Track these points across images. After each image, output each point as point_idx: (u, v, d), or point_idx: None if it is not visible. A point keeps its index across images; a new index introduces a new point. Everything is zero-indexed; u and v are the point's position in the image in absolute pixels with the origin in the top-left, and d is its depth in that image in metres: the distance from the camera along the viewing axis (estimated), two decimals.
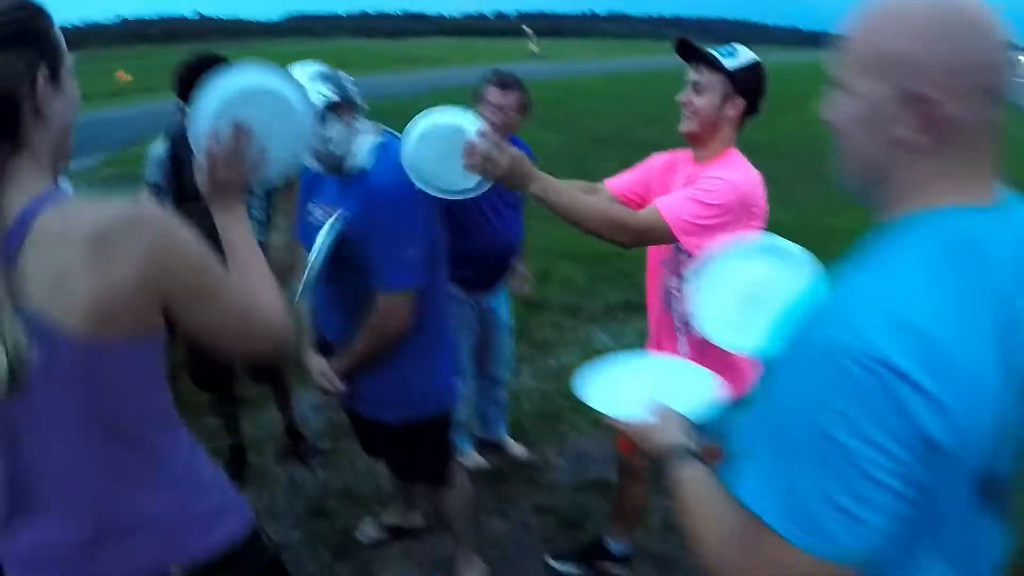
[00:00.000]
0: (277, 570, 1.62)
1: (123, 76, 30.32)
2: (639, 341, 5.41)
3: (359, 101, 2.36)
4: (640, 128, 15.74)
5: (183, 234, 1.30)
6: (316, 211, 2.48)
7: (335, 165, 2.34)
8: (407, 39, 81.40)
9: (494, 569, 3.20)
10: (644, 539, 3.33)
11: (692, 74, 2.38)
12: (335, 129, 2.26)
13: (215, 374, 3.78)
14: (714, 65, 2.32)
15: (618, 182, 2.67)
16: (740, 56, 2.35)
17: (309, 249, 2.53)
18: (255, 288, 1.50)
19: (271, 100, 1.70)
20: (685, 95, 2.37)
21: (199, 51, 3.45)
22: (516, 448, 4.14)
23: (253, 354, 1.57)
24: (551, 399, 4.60)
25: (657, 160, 2.65)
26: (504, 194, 3.27)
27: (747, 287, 1.86)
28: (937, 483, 0.98)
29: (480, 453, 4.02)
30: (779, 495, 0.97)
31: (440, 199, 2.32)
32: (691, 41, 2.39)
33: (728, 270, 1.92)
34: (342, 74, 2.34)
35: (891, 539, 0.97)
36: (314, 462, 4.03)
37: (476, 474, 3.74)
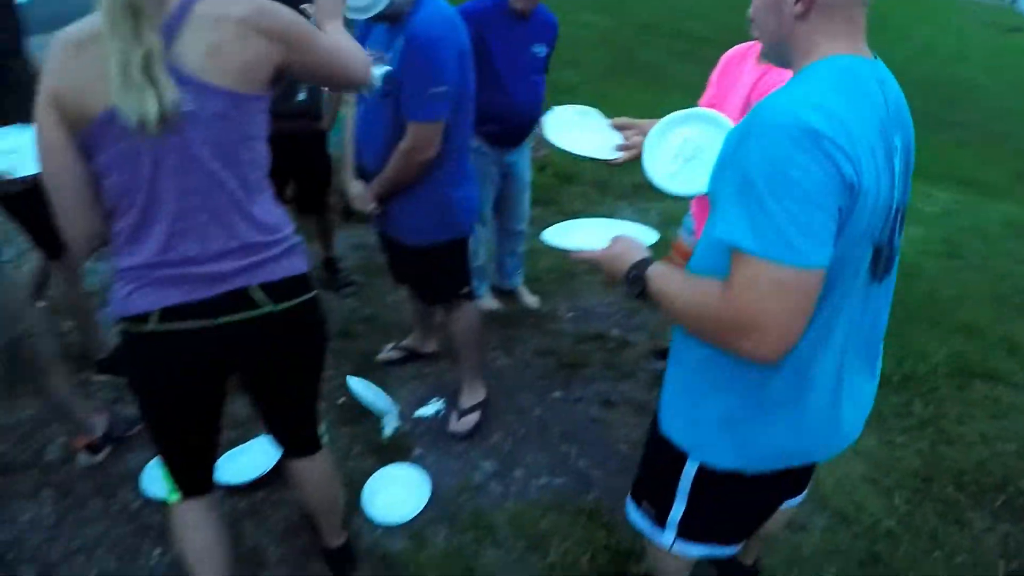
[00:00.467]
0: (319, 306, 2.09)
1: None
2: (660, 221, 5.74)
3: None
4: (686, 19, 15.66)
5: (292, 14, 1.78)
6: (367, 54, 2.81)
7: (386, 15, 2.66)
8: None
9: (493, 397, 3.62)
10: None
11: None
12: None
13: None
14: None
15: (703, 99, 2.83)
16: None
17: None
18: (342, 44, 2.00)
19: None
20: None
21: None
22: (529, 298, 4.52)
23: (353, 82, 2.05)
24: (568, 259, 4.95)
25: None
26: (533, 59, 3.63)
27: (681, 145, 2.18)
28: (850, 229, 1.39)
29: (495, 299, 4.43)
30: (751, 227, 1.34)
31: (468, 51, 2.74)
32: None
33: (667, 134, 2.21)
34: None
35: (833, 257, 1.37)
36: (346, 291, 4.49)
37: (488, 316, 4.16)
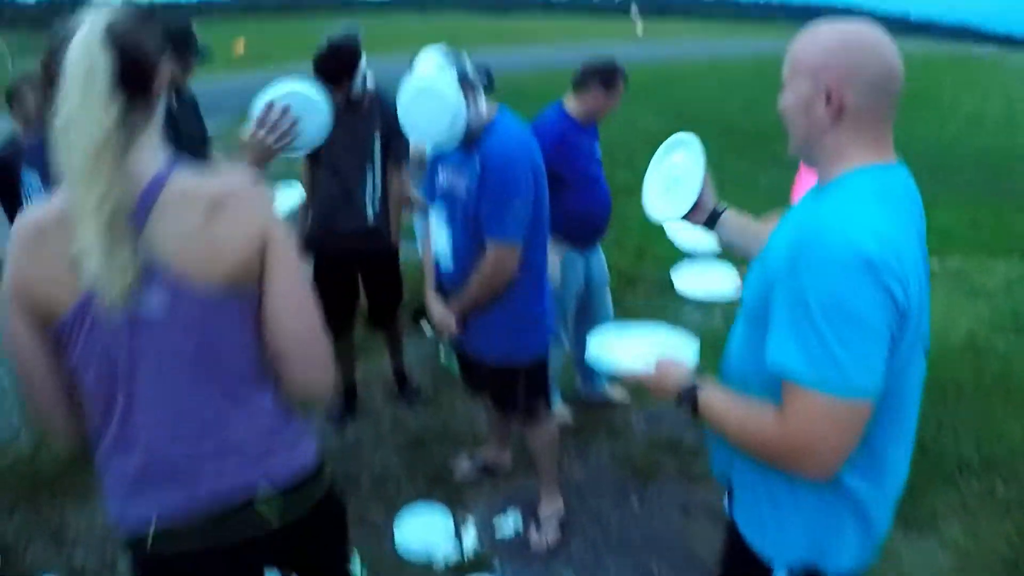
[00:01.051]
0: (333, 497, 1.82)
1: (239, 46, 31.22)
2: (724, 319, 5.71)
3: (477, 83, 2.77)
4: (740, 115, 15.87)
5: (274, 208, 1.57)
6: (442, 174, 2.92)
7: (463, 140, 2.76)
8: (514, 15, 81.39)
9: (570, 505, 3.59)
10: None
11: None
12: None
13: (335, 315, 4.12)
14: None
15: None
16: None
17: (432, 202, 3.01)
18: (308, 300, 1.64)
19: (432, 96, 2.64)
20: None
21: (337, 36, 3.75)
22: (618, 392, 4.51)
23: (302, 371, 1.62)
24: None
25: None
26: (598, 161, 3.90)
27: (667, 174, 2.24)
28: (904, 343, 1.44)
29: (566, 408, 4.41)
30: (807, 357, 1.37)
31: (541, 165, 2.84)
32: None
33: (656, 165, 2.29)
34: (465, 58, 2.78)
35: (886, 386, 1.41)
36: (417, 403, 4.54)
37: (562, 426, 4.13)
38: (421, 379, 4.78)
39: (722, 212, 2.13)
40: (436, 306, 3.07)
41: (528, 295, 2.93)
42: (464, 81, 2.69)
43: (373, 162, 3.83)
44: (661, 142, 2.28)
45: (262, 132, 2.26)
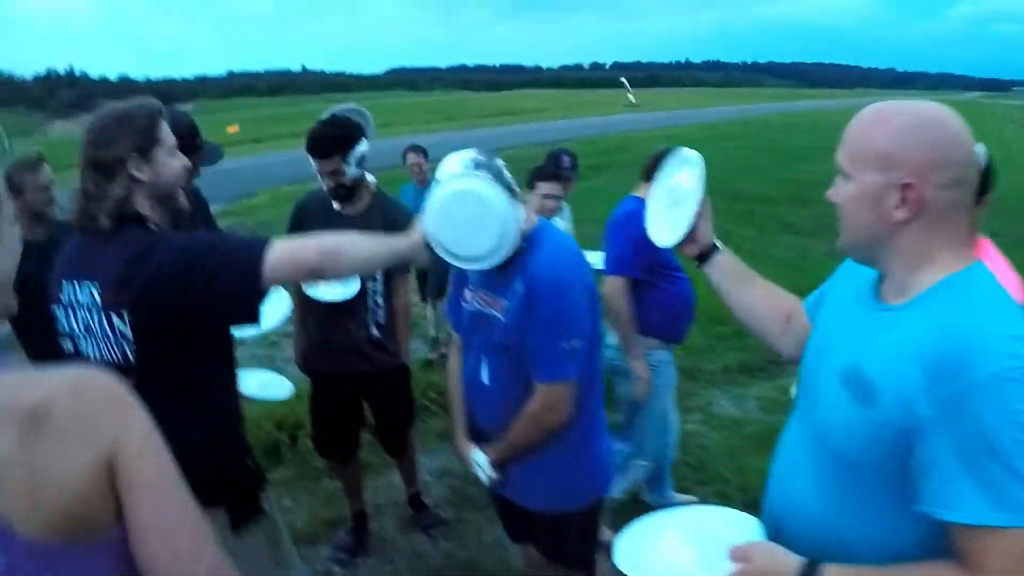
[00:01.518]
0: None
1: (233, 129, 31.44)
2: (759, 407, 5.25)
3: (514, 186, 2.28)
4: (742, 181, 15.58)
5: (137, 409, 1.11)
6: (472, 296, 2.45)
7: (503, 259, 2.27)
8: (506, 91, 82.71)
9: None
10: None
11: None
12: None
13: (338, 441, 3.76)
14: None
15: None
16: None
17: (462, 332, 2.53)
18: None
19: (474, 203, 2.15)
20: None
21: (334, 114, 3.49)
22: (687, 497, 4.21)
23: None
24: (675, 467, 4.46)
25: None
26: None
27: (669, 196, 2.04)
28: None
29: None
30: (997, 499, 1.20)
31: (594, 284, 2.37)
32: None
33: (659, 185, 2.09)
34: (497, 159, 2.28)
35: None
36: (437, 532, 3.95)
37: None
38: (440, 499, 4.23)
39: (717, 251, 1.96)
40: (467, 448, 2.53)
41: (585, 433, 2.41)
42: (504, 184, 2.21)
43: (374, 275, 3.43)
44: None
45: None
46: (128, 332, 1.81)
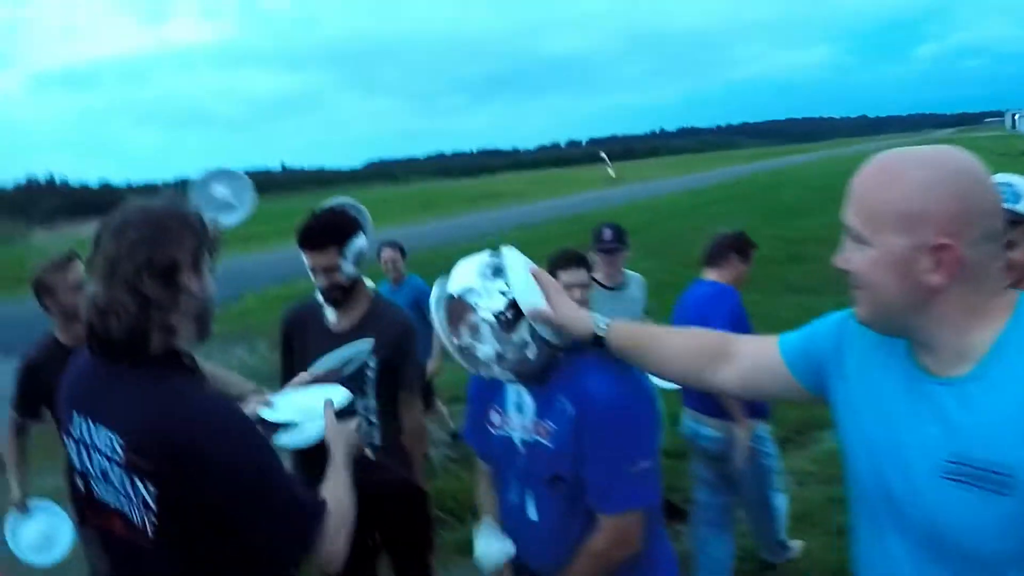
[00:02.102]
0: None
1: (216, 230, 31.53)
2: (797, 481, 5.05)
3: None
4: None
5: None
6: (503, 420, 2.12)
7: (532, 373, 1.96)
8: (485, 176, 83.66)
9: None
10: None
11: None
12: (523, 330, 1.88)
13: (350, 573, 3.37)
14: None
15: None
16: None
17: (492, 462, 2.24)
18: None
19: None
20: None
21: (323, 207, 3.27)
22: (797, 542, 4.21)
23: None
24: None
25: None
26: None
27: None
28: None
29: None
30: None
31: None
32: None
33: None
34: (516, 256, 1.99)
35: None
36: None
37: None
38: None
39: (603, 330, 1.82)
40: None
41: (648, 562, 2.06)
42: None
43: (364, 392, 3.04)
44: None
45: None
46: (152, 504, 1.54)
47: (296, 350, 3.07)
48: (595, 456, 1.90)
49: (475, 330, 1.87)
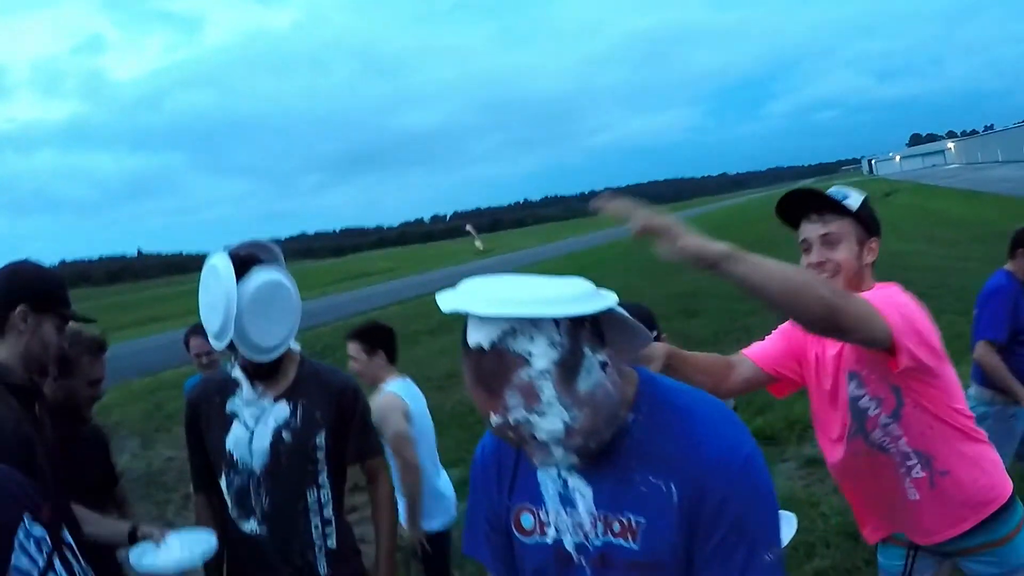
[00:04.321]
0: None
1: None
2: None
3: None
4: (645, 295, 15.36)
5: None
6: (542, 521, 1.49)
7: (600, 447, 1.39)
8: (352, 254, 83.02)
9: None
10: None
11: (813, 228, 2.19)
12: (592, 368, 1.32)
13: None
14: (842, 210, 2.16)
15: (758, 351, 2.43)
16: (852, 193, 2.20)
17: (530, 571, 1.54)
18: None
19: None
20: (816, 255, 2.16)
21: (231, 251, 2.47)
22: None
23: None
24: None
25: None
26: None
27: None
28: None
29: None
30: None
31: None
32: (816, 190, 2.22)
33: None
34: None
35: None
36: None
37: None
38: None
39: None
40: None
41: None
42: (578, 343, 1.29)
43: (316, 480, 2.51)
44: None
45: None
46: None
47: (204, 430, 2.54)
48: (719, 552, 1.34)
49: (530, 394, 1.27)
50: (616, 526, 1.40)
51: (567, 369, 1.26)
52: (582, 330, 1.28)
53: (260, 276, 2.31)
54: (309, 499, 2.48)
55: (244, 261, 2.32)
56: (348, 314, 20.42)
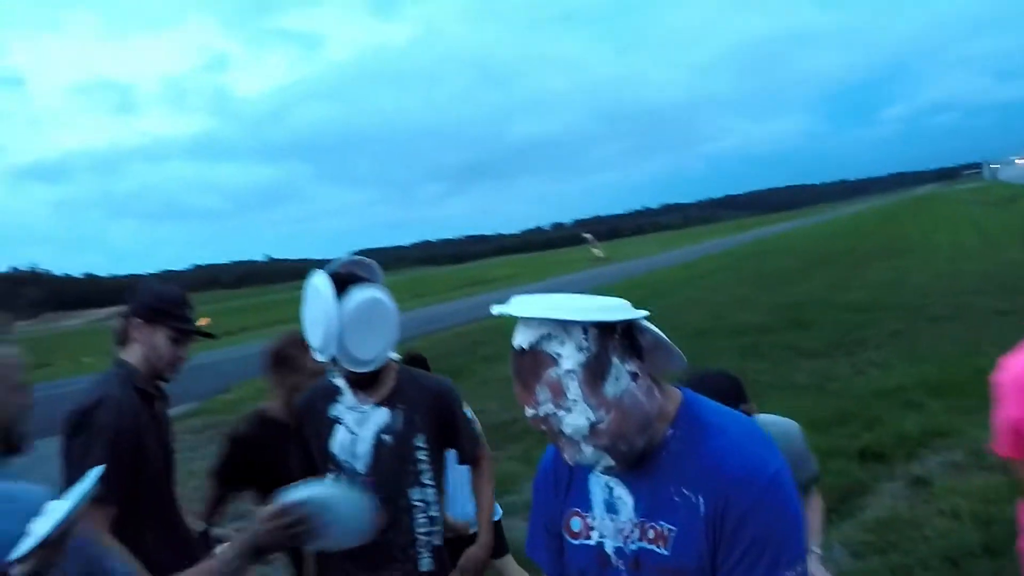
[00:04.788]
0: None
1: (203, 322, 31.27)
2: (851, 553, 4.52)
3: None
4: (737, 312, 15.12)
5: None
6: (589, 525, 1.62)
7: (635, 455, 1.51)
8: (473, 261, 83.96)
9: None
10: None
11: None
12: (621, 374, 1.46)
13: None
14: None
15: None
16: None
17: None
18: None
19: None
20: None
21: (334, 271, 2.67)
22: None
23: None
24: None
25: None
26: None
27: None
28: None
29: None
30: None
31: None
32: None
33: None
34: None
35: None
36: None
37: None
38: None
39: None
40: None
41: None
42: (606, 349, 1.44)
43: (420, 480, 2.65)
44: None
45: (277, 524, 1.94)
46: None
47: (311, 436, 2.72)
48: (742, 564, 1.42)
49: (558, 391, 1.42)
50: (651, 533, 1.50)
51: (593, 372, 1.40)
52: (610, 340, 1.43)
53: (359, 295, 2.48)
54: (412, 498, 2.61)
55: (343, 280, 2.51)
56: (465, 320, 20.94)
